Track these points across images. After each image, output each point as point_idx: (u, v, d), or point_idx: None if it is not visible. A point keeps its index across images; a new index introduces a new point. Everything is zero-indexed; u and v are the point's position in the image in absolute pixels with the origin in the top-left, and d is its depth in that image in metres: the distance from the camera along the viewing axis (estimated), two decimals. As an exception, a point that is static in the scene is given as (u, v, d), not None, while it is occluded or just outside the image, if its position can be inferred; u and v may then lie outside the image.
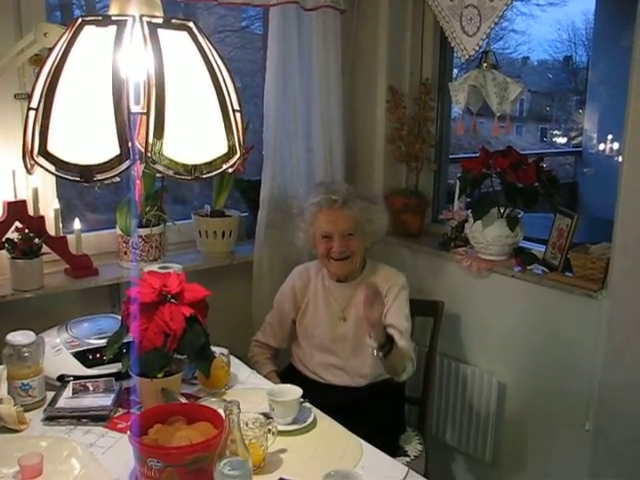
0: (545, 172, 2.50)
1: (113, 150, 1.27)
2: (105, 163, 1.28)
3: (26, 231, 2.25)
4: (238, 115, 1.42)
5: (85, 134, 1.28)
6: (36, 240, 2.27)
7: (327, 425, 1.90)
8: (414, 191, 2.97)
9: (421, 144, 2.91)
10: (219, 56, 1.40)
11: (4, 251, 2.24)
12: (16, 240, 2.23)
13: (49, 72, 1.30)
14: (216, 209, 2.71)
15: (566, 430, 2.46)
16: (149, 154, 1.28)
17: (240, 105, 1.43)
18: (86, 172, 1.28)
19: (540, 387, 2.53)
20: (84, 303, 2.42)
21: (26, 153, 1.32)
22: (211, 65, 1.36)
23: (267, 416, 1.86)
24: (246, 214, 2.88)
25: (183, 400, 1.85)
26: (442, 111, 2.97)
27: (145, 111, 1.28)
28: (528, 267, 2.52)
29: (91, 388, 1.96)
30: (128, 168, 1.28)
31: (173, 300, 1.88)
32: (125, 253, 2.50)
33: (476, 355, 2.74)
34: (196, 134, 1.35)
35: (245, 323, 2.73)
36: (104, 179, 1.29)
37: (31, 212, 2.29)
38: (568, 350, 2.43)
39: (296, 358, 2.49)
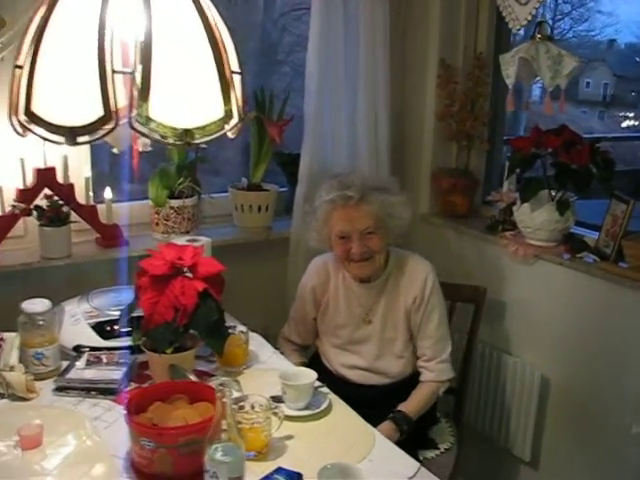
0: (601, 153, 2.30)
1: (97, 111, 1.20)
2: (89, 125, 1.21)
3: (55, 198, 2.23)
4: (237, 77, 1.32)
5: (69, 94, 1.22)
6: (64, 208, 2.24)
7: (342, 413, 1.80)
8: (464, 171, 2.81)
9: (473, 122, 2.75)
10: (219, 15, 1.31)
11: (32, 218, 2.22)
12: (44, 207, 2.21)
13: (36, 29, 1.23)
14: (253, 182, 2.63)
15: (612, 432, 2.28)
16: (134, 116, 1.20)
17: (241, 67, 1.33)
18: (69, 134, 1.21)
19: (586, 384, 2.36)
20: (113, 274, 2.38)
21: (11, 113, 1.26)
22: (209, 24, 1.27)
23: (279, 400, 1.79)
24: (285, 189, 2.78)
25: (193, 378, 1.78)
26: (497, 87, 2.79)
27: (130, 70, 1.20)
28: (577, 255, 2.34)
29: (105, 360, 1.92)
30: (112, 130, 1.21)
31: (187, 274, 1.82)
32: (157, 224, 2.45)
33: (519, 346, 2.58)
34: (188, 96, 1.26)
35: (280, 300, 2.64)
36: (88, 141, 1.22)
37: (61, 180, 2.26)
38: (617, 346, 2.24)
39: (320, 352, 2.36)
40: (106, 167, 2.48)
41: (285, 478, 1.46)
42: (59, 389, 1.84)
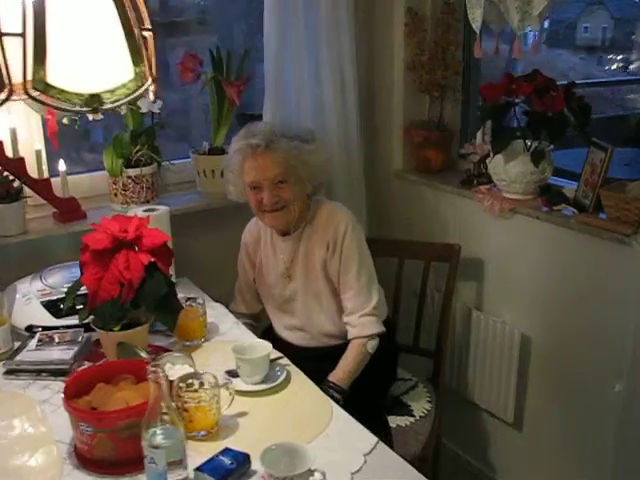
0: (576, 99, 2.18)
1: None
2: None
3: (5, 174, 2.14)
4: (149, 35, 1.21)
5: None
6: (15, 183, 2.15)
7: (299, 386, 1.73)
8: (437, 124, 2.69)
9: (444, 71, 2.62)
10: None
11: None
12: (-7, 183, 2.12)
13: None
14: (215, 146, 2.52)
15: (595, 390, 2.20)
16: (28, 83, 1.09)
17: (153, 24, 1.22)
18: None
19: (567, 342, 2.27)
20: (73, 249, 2.28)
21: None
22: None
23: (234, 374, 1.72)
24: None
25: (144, 355, 1.71)
26: (469, 34, 2.64)
27: (21, 32, 1.09)
28: (555, 207, 2.23)
29: (57, 340, 1.85)
30: (6, 100, 1.10)
31: (133, 247, 1.73)
32: (115, 195, 2.35)
33: (498, 304, 2.49)
34: (91, 58, 1.15)
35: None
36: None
37: (10, 154, 2.16)
38: (598, 301, 2.15)
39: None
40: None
41: (231, 459, 1.38)
42: (9, 372, 1.77)
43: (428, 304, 2.49)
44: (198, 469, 1.36)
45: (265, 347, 1.73)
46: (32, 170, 2.22)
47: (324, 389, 1.92)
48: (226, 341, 1.92)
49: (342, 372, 2.00)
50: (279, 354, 1.83)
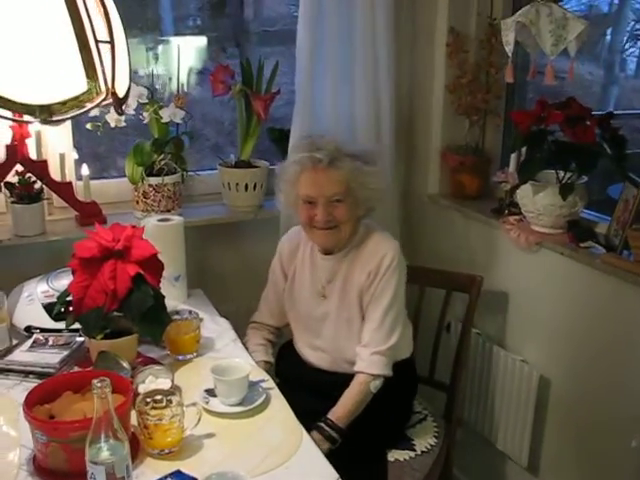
0: (611, 130, 2.04)
1: None
2: None
3: (27, 176, 2.19)
4: (106, 47, 1.20)
5: None
6: (37, 185, 2.20)
7: (276, 412, 1.68)
8: (474, 148, 2.58)
9: (484, 94, 2.51)
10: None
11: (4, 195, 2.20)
12: (15, 184, 2.18)
13: None
14: (241, 159, 2.50)
15: (614, 442, 2.04)
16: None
17: (112, 36, 1.20)
18: None
19: (587, 388, 2.12)
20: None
21: None
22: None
23: (213, 393, 1.69)
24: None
25: (125, 366, 1.71)
26: (517, 56, 2.52)
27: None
28: (582, 244, 2.09)
29: (50, 342, 1.87)
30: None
31: (122, 257, 1.73)
32: (137, 202, 2.38)
33: (519, 341, 2.36)
34: (41, 70, 1.15)
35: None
36: None
37: (34, 156, 2.22)
38: (620, 347, 1.99)
39: (294, 338, 2.23)
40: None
41: (177, 483, 1.35)
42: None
43: (446, 335, 2.39)
44: (145, 491, 1.34)
45: (244, 369, 1.69)
46: (55, 172, 2.27)
47: (322, 427, 1.90)
48: (219, 358, 1.88)
49: (342, 410, 1.94)
50: (263, 377, 1.78)
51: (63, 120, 1.20)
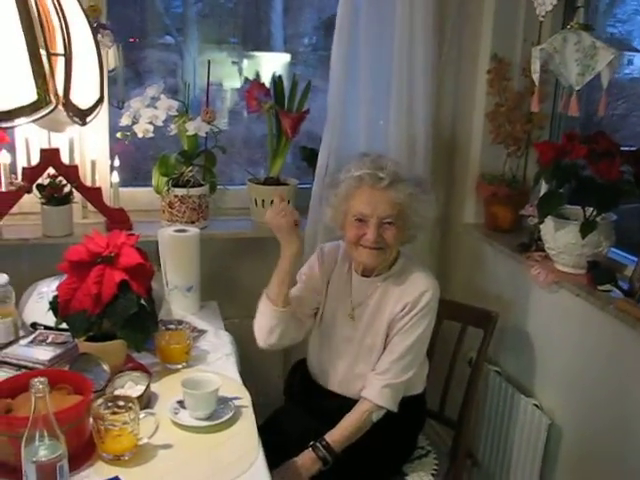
0: (637, 166, 1.91)
1: None
2: None
3: (58, 179, 2.30)
4: (60, 60, 1.24)
5: None
6: (67, 188, 2.30)
7: (243, 429, 1.66)
8: (512, 180, 2.48)
9: (523, 124, 2.42)
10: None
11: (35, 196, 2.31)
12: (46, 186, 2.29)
13: None
14: (270, 176, 2.52)
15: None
16: None
17: (67, 49, 1.24)
18: None
19: (593, 438, 1.98)
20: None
21: None
22: (25, 2, 1.20)
23: (183, 406, 1.70)
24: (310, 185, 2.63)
25: (105, 369, 1.75)
26: (558, 86, 2.42)
27: None
28: (600, 287, 1.96)
29: (49, 340, 1.94)
30: None
31: (112, 263, 1.77)
32: (163, 212, 2.44)
33: (535, 383, 2.24)
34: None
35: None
36: None
37: (66, 161, 2.33)
38: (629, 400, 1.85)
39: (308, 351, 2.18)
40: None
41: (111, 489, 1.37)
42: (-5, 362, 1.89)
43: (459, 371, 2.29)
44: (76, 492, 1.36)
45: (212, 384, 1.68)
46: (86, 178, 2.37)
47: (317, 447, 1.88)
48: (207, 371, 1.90)
49: (339, 434, 1.91)
50: (239, 394, 1.77)
51: (10, 127, 1.25)
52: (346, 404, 1.98)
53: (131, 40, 2.82)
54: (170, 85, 2.64)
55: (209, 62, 2.42)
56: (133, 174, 2.71)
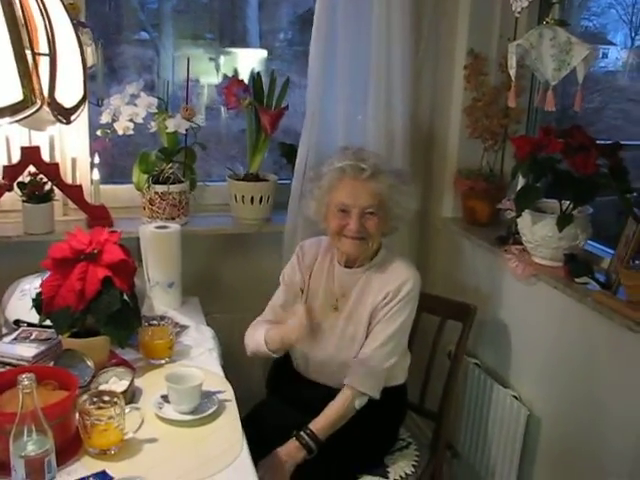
0: (616, 161, 1.95)
1: None
2: None
3: (39, 177, 2.30)
4: (44, 59, 1.25)
5: None
6: (47, 186, 2.30)
7: (227, 422, 1.68)
8: (486, 174, 2.52)
9: (500, 119, 2.46)
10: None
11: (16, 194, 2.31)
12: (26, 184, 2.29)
13: None
14: (250, 172, 2.54)
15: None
16: None
17: (51, 48, 1.25)
18: None
19: (571, 428, 2.03)
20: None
21: None
22: (9, 2, 1.21)
23: (167, 400, 1.71)
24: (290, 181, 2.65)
25: (90, 364, 1.76)
26: (534, 80, 2.46)
27: None
28: (576, 279, 2.00)
29: (33, 336, 1.94)
30: None
31: (95, 260, 1.78)
32: (144, 209, 2.45)
33: (514, 375, 2.28)
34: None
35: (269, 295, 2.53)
36: None
37: (47, 159, 2.32)
38: (606, 391, 1.89)
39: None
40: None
41: (97, 481, 1.38)
42: (-21, 360, 1.89)
43: (438, 363, 2.33)
44: (63, 486, 1.37)
45: (197, 378, 1.70)
46: (66, 175, 2.37)
47: (301, 436, 1.91)
48: (190, 366, 1.91)
49: (324, 422, 1.94)
50: (222, 388, 1.79)
51: (-4, 125, 1.25)
52: (328, 394, 2.01)
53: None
54: (146, 81, 2.64)
55: (188, 59, 2.43)
56: (111, 171, 2.71)
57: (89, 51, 2.41)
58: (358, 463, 2.03)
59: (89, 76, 2.43)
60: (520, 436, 2.16)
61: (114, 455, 1.51)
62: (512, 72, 2.06)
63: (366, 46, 2.42)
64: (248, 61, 2.96)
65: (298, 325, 1.93)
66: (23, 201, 2.30)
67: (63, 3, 1.33)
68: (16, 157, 2.30)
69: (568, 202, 1.99)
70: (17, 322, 2.03)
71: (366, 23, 2.40)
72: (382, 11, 2.38)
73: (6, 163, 2.30)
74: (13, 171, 2.28)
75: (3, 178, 2.27)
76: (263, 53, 2.97)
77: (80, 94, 1.38)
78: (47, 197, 2.30)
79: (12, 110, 1.22)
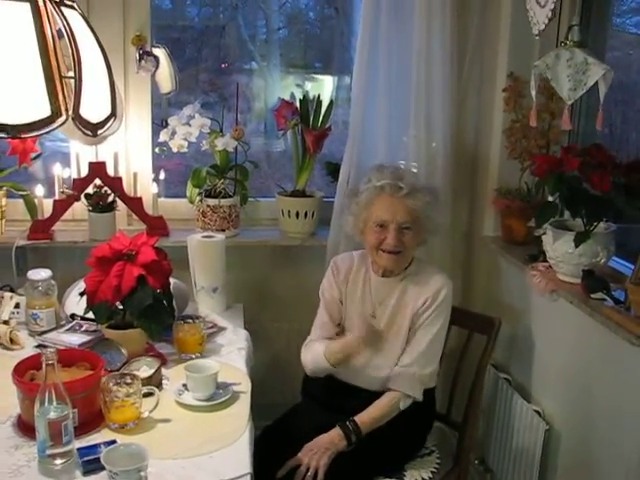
0: (633, 179, 1.98)
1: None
2: None
3: (104, 189, 2.56)
4: (70, 82, 1.47)
5: None
6: (110, 197, 2.57)
7: (237, 410, 1.84)
8: (524, 193, 2.57)
9: (537, 140, 2.51)
10: (67, 23, 1.47)
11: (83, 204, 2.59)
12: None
13: None
14: (297, 189, 2.71)
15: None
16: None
17: (78, 72, 1.47)
18: None
19: (590, 443, 2.03)
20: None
21: None
22: (44, 35, 1.44)
23: (186, 388, 1.89)
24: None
25: (124, 352, 1.96)
26: (585, 103, 2.49)
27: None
28: (592, 295, 2.03)
29: (83, 328, 2.18)
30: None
31: (133, 260, 2.00)
32: (197, 220, 2.66)
33: (539, 389, 2.31)
34: (12, 96, 1.43)
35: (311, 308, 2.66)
36: None
37: (112, 173, 2.59)
38: (615, 406, 1.91)
39: None
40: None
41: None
42: (38, 346, 2.14)
43: (465, 375, 2.38)
44: (78, 448, 1.57)
45: (211, 368, 1.87)
46: (129, 188, 2.63)
47: (346, 425, 2.02)
48: (219, 362, 2.08)
49: (368, 417, 2.05)
50: (238, 380, 1.95)
51: (31, 137, 1.48)
52: (363, 396, 2.12)
53: (222, 66, 3.11)
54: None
55: (237, 85, 2.64)
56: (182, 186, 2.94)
57: (164, 78, 2.69)
58: (381, 465, 2.11)
59: (164, 101, 2.73)
60: (539, 450, 2.18)
61: (130, 430, 1.70)
62: (533, 93, 2.13)
63: (406, 71, 2.54)
64: (329, 86, 3.13)
65: (359, 336, 2.07)
66: (89, 210, 2.56)
67: (94, 33, 1.55)
68: (84, 171, 2.57)
69: (579, 219, 2.03)
70: (72, 316, 2.28)
71: (407, 50, 2.52)
72: (422, 36, 2.50)
73: (76, 176, 2.58)
74: (81, 183, 2.56)
75: (73, 189, 2.54)
76: (347, 79, 3.10)
77: (107, 111, 1.59)
78: (110, 207, 2.56)
79: (43, 123, 1.44)
